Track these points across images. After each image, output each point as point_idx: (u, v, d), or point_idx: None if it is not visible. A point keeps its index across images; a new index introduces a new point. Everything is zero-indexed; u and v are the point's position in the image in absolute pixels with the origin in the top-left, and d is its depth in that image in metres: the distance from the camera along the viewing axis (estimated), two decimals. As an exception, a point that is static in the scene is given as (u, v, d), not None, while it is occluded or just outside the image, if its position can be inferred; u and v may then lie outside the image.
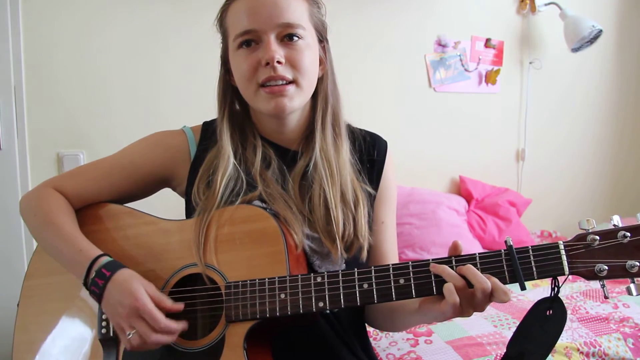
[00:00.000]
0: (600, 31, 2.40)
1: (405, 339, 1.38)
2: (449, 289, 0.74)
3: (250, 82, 0.90)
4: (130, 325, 0.80)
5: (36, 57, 1.85)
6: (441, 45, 2.44)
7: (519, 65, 2.60)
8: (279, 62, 0.87)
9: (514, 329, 1.42)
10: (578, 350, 1.34)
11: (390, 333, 1.42)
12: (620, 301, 1.60)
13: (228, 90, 0.99)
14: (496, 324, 1.46)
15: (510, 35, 2.56)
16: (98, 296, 0.84)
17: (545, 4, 2.53)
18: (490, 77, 2.53)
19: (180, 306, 0.84)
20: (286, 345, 0.90)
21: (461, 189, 2.50)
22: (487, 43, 2.51)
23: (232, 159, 0.93)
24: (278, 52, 0.87)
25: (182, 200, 1.02)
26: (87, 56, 1.92)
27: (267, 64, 0.87)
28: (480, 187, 2.48)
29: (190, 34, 2.01)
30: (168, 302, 0.83)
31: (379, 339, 1.39)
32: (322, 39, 0.97)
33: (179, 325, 0.82)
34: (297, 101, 0.91)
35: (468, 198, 2.44)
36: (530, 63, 2.59)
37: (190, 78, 2.03)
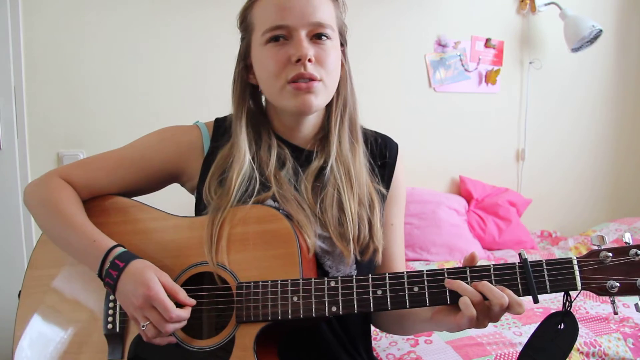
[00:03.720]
0: (600, 31, 2.40)
1: (405, 339, 1.38)
2: (465, 302, 0.74)
3: (278, 79, 0.88)
4: (144, 316, 0.80)
5: (36, 57, 1.85)
6: (441, 45, 2.44)
7: (519, 65, 2.61)
8: (309, 60, 0.86)
9: (514, 329, 1.43)
10: (578, 350, 1.34)
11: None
12: (620, 301, 1.60)
13: (246, 88, 0.97)
14: (496, 324, 1.46)
15: (510, 35, 2.56)
16: (112, 288, 0.83)
17: (545, 4, 2.53)
18: (490, 77, 2.53)
19: (193, 301, 0.83)
20: (290, 346, 0.90)
21: (461, 189, 2.50)
22: (487, 43, 2.51)
23: (248, 157, 0.92)
24: (310, 50, 0.86)
25: (190, 196, 1.01)
26: (87, 56, 1.92)
27: (298, 60, 0.86)
28: (480, 187, 2.48)
29: (190, 33, 2.01)
30: (181, 295, 0.82)
31: (379, 339, 1.39)
32: (343, 43, 0.96)
33: (187, 313, 0.81)
34: (321, 99, 0.90)
35: (468, 198, 2.44)
36: (530, 63, 2.59)
37: (191, 77, 2.03)
